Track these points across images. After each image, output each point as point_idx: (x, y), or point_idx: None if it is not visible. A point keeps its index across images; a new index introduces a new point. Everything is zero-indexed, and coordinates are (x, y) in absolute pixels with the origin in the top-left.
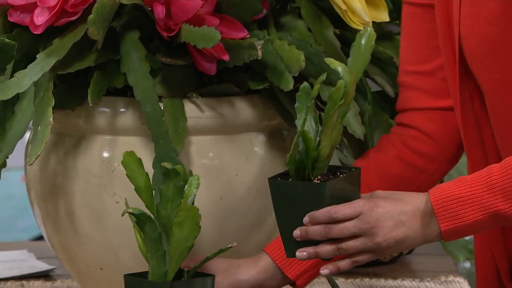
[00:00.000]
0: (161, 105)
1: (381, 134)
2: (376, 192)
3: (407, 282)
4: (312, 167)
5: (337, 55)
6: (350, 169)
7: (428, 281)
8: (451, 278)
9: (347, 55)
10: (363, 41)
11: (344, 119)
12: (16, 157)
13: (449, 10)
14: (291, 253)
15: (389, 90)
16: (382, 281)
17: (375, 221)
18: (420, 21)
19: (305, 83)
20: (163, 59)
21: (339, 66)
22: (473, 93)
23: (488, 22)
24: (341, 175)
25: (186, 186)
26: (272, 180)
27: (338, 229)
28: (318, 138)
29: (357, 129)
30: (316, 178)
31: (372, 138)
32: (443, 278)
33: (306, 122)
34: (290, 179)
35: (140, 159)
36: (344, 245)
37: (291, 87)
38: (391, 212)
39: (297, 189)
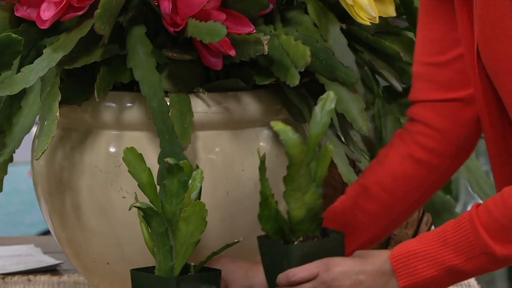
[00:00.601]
0: (167, 100)
1: (390, 128)
2: (355, 253)
3: None
4: (290, 229)
5: (344, 50)
6: (340, 234)
7: None
8: None
9: (355, 51)
10: (323, 105)
11: (350, 116)
12: (23, 152)
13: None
14: None
15: (396, 84)
16: None
17: (331, 281)
18: (437, 13)
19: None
20: (170, 54)
21: (280, 130)
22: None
23: None
24: (315, 240)
25: (190, 181)
26: (258, 237)
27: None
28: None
29: (363, 126)
30: (298, 240)
31: (381, 131)
32: None
33: (265, 183)
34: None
35: (141, 154)
36: None
37: (297, 82)
38: (348, 272)
39: (268, 249)
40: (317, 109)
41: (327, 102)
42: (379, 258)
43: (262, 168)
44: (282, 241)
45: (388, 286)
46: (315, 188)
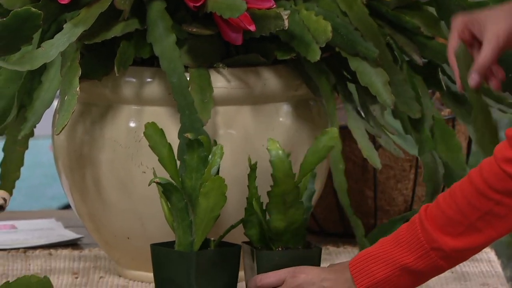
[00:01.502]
0: (187, 75)
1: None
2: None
3: None
4: (270, 238)
5: (366, 24)
6: (317, 248)
7: None
8: None
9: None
10: (326, 140)
11: (373, 88)
12: (45, 125)
13: None
14: None
15: (417, 58)
16: None
17: (297, 287)
18: None
19: None
20: (190, 29)
21: (272, 150)
22: None
23: None
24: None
25: (210, 156)
26: (242, 242)
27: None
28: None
29: (387, 99)
30: (277, 250)
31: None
32: None
33: (252, 190)
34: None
35: (162, 130)
36: None
37: (318, 57)
38: (313, 279)
39: (246, 254)
40: (320, 140)
41: (329, 140)
42: (342, 266)
43: (252, 175)
44: (265, 249)
45: None
46: (300, 204)
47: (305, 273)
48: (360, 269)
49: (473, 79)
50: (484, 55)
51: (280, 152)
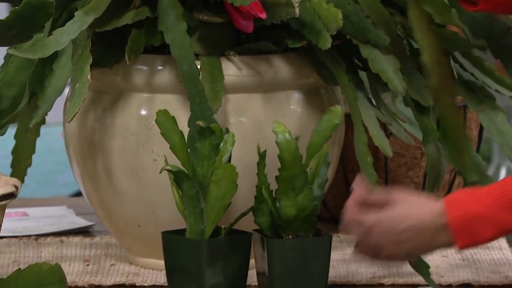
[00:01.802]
0: (198, 63)
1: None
2: (393, 191)
3: None
4: (280, 226)
5: (377, 11)
6: (327, 236)
7: None
8: None
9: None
10: (329, 119)
11: (385, 75)
12: (57, 113)
13: None
14: None
15: None
16: None
17: (375, 244)
18: None
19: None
20: (200, 17)
21: (278, 132)
22: None
23: None
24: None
25: (221, 144)
26: (252, 230)
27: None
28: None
29: (398, 85)
30: (287, 238)
31: None
32: None
33: (262, 178)
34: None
35: (174, 117)
36: (357, 253)
37: (329, 45)
38: (390, 233)
39: (256, 242)
40: (324, 120)
41: (334, 117)
42: (429, 211)
43: (261, 163)
44: (276, 237)
45: (439, 239)
46: (309, 190)
47: (380, 225)
48: (463, 228)
49: None
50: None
51: (287, 133)
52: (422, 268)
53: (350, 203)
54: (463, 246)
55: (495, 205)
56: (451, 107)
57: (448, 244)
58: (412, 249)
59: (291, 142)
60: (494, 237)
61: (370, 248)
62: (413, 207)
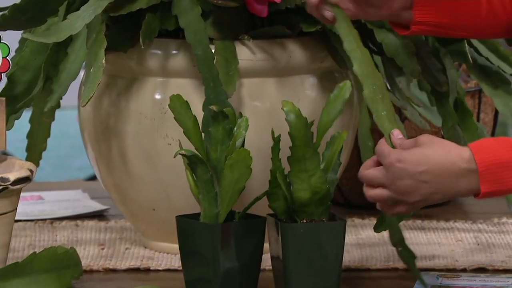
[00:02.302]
0: (213, 47)
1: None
2: (421, 135)
3: (459, 224)
4: (294, 210)
5: None
6: (342, 220)
7: (480, 223)
8: (504, 220)
9: None
10: (339, 94)
11: (399, 60)
12: (72, 96)
13: None
14: None
15: None
16: (434, 223)
17: (393, 178)
18: None
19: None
20: (215, 1)
21: (288, 111)
22: None
23: None
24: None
25: (235, 128)
26: (267, 215)
27: (365, 178)
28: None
29: (413, 70)
30: (301, 222)
31: None
32: (496, 220)
33: (276, 162)
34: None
35: (187, 102)
36: (371, 192)
37: None
38: (409, 171)
39: (270, 227)
40: (332, 96)
41: (343, 91)
42: (457, 155)
43: (275, 148)
44: (290, 221)
45: (460, 185)
46: (322, 172)
47: (403, 161)
48: (490, 172)
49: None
50: None
51: (296, 111)
52: (407, 257)
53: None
54: (487, 192)
55: None
56: (389, 118)
57: (470, 190)
58: (432, 191)
59: (300, 119)
60: None
61: (387, 186)
62: (438, 149)
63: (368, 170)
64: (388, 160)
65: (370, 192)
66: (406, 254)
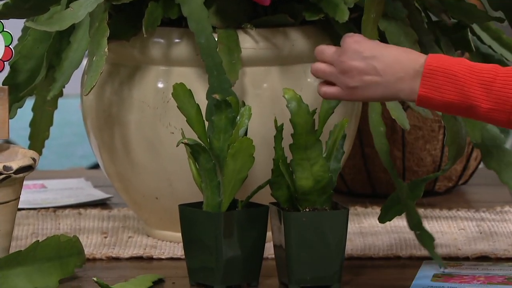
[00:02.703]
0: (215, 36)
1: None
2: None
3: (462, 213)
4: (297, 198)
5: None
6: (344, 209)
7: (483, 212)
8: (506, 208)
9: None
10: None
11: None
12: (75, 85)
13: None
14: None
15: (446, 19)
16: (437, 211)
17: (343, 55)
18: None
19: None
20: None
21: (290, 98)
22: None
23: None
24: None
25: (238, 117)
26: (269, 203)
27: (318, 51)
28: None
29: None
30: (304, 211)
31: None
32: (498, 209)
33: (279, 151)
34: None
35: (190, 90)
36: (315, 65)
37: (347, 18)
38: (363, 53)
39: (273, 215)
40: None
41: None
42: (410, 56)
43: (278, 137)
44: (293, 210)
45: (404, 83)
46: (324, 160)
47: (359, 43)
48: (432, 77)
49: None
50: None
51: (297, 98)
52: (426, 240)
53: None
54: (423, 96)
55: (475, 75)
56: (374, 22)
57: (411, 91)
58: (375, 81)
59: (302, 106)
60: (454, 105)
61: (334, 62)
62: (400, 48)
63: (323, 46)
64: (347, 39)
65: (316, 65)
66: (425, 237)
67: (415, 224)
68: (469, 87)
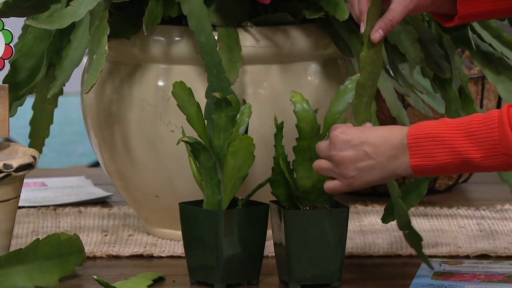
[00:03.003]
0: (216, 34)
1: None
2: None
3: (462, 211)
4: (297, 197)
5: None
6: (345, 207)
7: (483, 210)
8: (507, 206)
9: None
10: (346, 87)
11: (402, 46)
12: (75, 83)
13: None
14: None
15: None
16: (437, 210)
17: (335, 148)
18: None
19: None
20: None
21: (296, 102)
22: None
23: None
24: (313, 209)
25: (238, 115)
26: (269, 201)
27: (316, 148)
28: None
29: (416, 56)
30: (304, 209)
31: None
32: (499, 207)
33: (279, 150)
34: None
35: (190, 89)
36: (315, 163)
37: (347, 16)
38: (352, 141)
39: (273, 213)
40: (342, 88)
41: (352, 86)
42: (394, 133)
43: (278, 135)
44: (293, 208)
45: (397, 160)
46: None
47: (345, 133)
48: (419, 145)
49: (377, 33)
50: (394, 14)
51: (304, 103)
52: (413, 240)
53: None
54: (416, 165)
55: (458, 130)
56: (366, 105)
57: (406, 165)
58: (370, 165)
59: (308, 112)
60: (449, 165)
61: (329, 157)
62: (382, 127)
63: (319, 142)
64: (333, 132)
65: (316, 162)
66: (413, 237)
67: (404, 224)
68: (456, 143)
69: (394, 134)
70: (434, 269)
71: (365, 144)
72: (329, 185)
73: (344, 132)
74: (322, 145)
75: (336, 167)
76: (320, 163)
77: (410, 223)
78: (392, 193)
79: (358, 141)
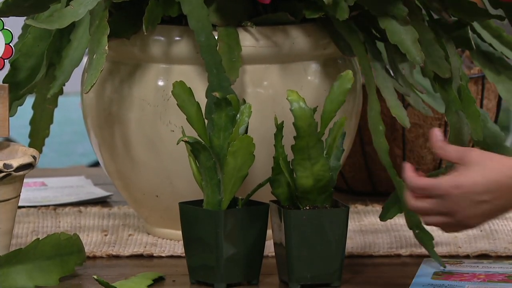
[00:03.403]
0: (216, 34)
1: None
2: (470, 152)
3: None
4: (297, 196)
5: None
6: (345, 207)
7: None
8: None
9: None
10: (341, 84)
11: (403, 46)
12: (75, 82)
13: None
14: None
15: (446, 16)
16: None
17: (454, 206)
18: None
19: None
20: None
21: (293, 100)
22: None
23: None
24: (313, 209)
25: (238, 115)
26: (269, 201)
27: (421, 209)
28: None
29: (417, 56)
30: (304, 209)
31: None
32: None
33: (279, 149)
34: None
35: (190, 88)
36: (428, 220)
37: (347, 16)
38: (469, 196)
39: (273, 213)
40: (335, 86)
41: (345, 82)
42: (509, 165)
43: (278, 135)
44: (293, 208)
45: None
46: (325, 159)
47: (461, 187)
48: None
49: None
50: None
51: (301, 101)
52: (425, 238)
53: (409, 172)
54: None
55: None
56: None
57: None
58: (493, 208)
59: (305, 110)
60: None
61: (448, 214)
62: (490, 164)
63: (420, 203)
64: (443, 190)
65: (430, 220)
66: (424, 236)
67: (414, 223)
68: None
69: (509, 174)
70: (445, 268)
71: (484, 194)
72: (458, 231)
73: (457, 187)
74: (428, 205)
75: (462, 221)
76: (441, 220)
77: (420, 222)
78: (399, 193)
79: (475, 192)
